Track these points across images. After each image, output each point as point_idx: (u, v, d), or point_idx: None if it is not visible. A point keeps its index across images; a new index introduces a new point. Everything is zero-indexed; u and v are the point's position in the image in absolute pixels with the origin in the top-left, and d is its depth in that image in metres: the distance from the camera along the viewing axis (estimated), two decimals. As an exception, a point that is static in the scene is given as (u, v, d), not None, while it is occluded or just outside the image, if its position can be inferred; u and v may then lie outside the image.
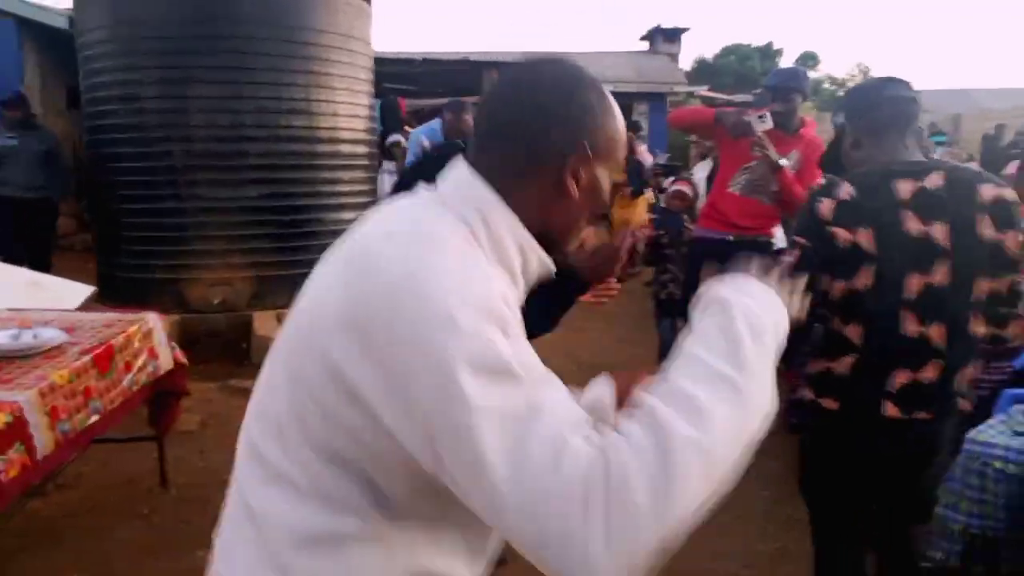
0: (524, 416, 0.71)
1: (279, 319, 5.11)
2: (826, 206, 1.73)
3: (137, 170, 5.17)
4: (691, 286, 4.42)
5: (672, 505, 0.67)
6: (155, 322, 3.11)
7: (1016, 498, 2.39)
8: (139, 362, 2.95)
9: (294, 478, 0.84)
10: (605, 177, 0.94)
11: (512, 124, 0.90)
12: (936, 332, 1.70)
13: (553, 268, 0.95)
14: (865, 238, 1.69)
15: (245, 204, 5.21)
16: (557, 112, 0.88)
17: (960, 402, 1.83)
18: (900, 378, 1.73)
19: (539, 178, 0.89)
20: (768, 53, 33.50)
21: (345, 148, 5.57)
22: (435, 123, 4.43)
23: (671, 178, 5.40)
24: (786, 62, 34.37)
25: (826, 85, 30.95)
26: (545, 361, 0.79)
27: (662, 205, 4.56)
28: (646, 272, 6.24)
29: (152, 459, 3.36)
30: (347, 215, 5.48)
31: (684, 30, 20.78)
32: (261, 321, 5.07)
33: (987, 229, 1.69)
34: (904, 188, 1.71)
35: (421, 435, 0.74)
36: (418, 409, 0.73)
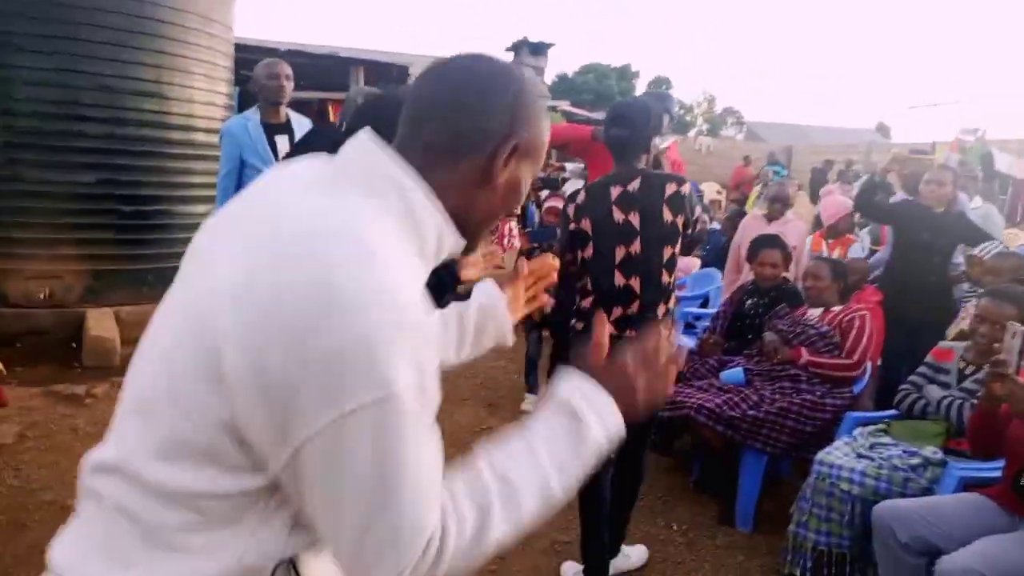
0: (387, 482, 0.74)
1: (118, 318, 4.64)
2: (571, 208, 2.62)
3: (-54, 143, 4.52)
4: (561, 299, 4.45)
5: (466, 563, 0.83)
6: (-33, 323, 2.70)
7: (860, 517, 2.56)
8: (-55, 369, 2.55)
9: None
10: (527, 177, 0.94)
11: (447, 106, 0.87)
12: (635, 282, 2.53)
13: (461, 249, 0.94)
14: (587, 225, 2.57)
15: (79, 191, 4.69)
16: (497, 101, 0.87)
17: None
18: (616, 312, 2.54)
19: (467, 164, 0.87)
20: (626, 74, 35.05)
21: (200, 137, 5.17)
22: (252, 112, 3.86)
23: (546, 191, 5.42)
24: (641, 84, 36.15)
25: (677, 109, 32.80)
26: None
27: (535, 219, 4.58)
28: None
29: (-45, 479, 2.91)
30: (200, 208, 5.08)
31: (550, 45, 21.29)
32: (96, 319, 4.58)
33: (667, 215, 2.54)
34: (614, 192, 2.55)
35: (285, 445, 0.73)
36: (295, 423, 0.71)
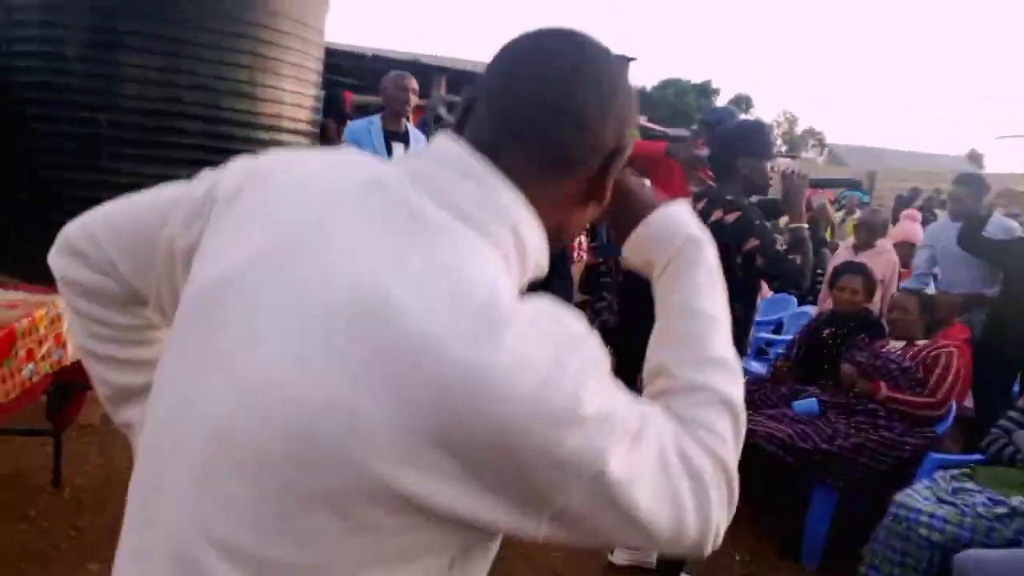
0: (659, 460, 0.67)
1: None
2: None
3: (52, 134, 4.77)
4: (624, 316, 4.52)
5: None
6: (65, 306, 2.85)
7: (937, 565, 2.45)
8: (43, 350, 2.69)
9: None
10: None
11: (555, 114, 0.70)
12: None
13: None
14: None
15: (172, 185, 4.90)
16: (609, 111, 0.72)
17: None
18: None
19: (574, 181, 0.73)
20: (705, 91, 34.57)
21: (286, 138, 5.33)
22: (376, 118, 4.21)
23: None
24: (721, 102, 35.59)
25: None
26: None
27: (604, 234, 4.56)
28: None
29: (45, 454, 3.07)
30: (281, 207, 5.25)
31: (631, 59, 21.16)
32: (178, 310, 4.77)
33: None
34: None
35: (540, 514, 0.64)
36: (545, 497, 0.63)
